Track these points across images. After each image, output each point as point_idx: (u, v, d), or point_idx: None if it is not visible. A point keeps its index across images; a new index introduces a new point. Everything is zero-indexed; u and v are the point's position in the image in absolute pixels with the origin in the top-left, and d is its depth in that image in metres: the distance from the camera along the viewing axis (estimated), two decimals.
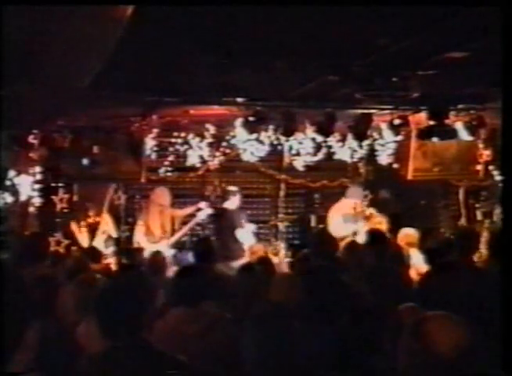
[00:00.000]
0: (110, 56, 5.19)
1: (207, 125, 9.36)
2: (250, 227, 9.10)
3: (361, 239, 7.15)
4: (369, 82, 6.38)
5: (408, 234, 7.54)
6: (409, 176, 10.30)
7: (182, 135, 9.56)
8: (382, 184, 10.46)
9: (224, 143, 9.63)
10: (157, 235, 9.05)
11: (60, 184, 9.46)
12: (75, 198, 9.52)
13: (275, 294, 4.17)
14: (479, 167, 10.52)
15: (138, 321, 2.91)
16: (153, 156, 9.64)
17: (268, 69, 6.14)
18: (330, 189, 10.46)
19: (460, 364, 2.28)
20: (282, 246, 9.68)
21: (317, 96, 7.56)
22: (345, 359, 3.22)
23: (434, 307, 2.60)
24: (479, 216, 10.40)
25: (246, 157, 9.53)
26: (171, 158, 9.80)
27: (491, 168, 10.26)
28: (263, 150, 9.50)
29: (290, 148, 9.95)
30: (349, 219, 8.98)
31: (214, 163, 9.88)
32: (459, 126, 8.75)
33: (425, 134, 8.64)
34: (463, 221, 10.66)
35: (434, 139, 8.90)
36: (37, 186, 9.18)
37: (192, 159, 9.73)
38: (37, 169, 9.12)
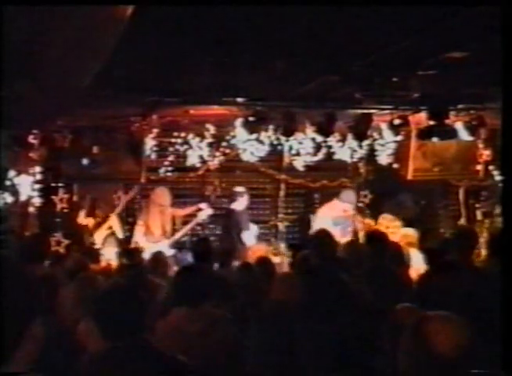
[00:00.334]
0: (110, 56, 5.19)
1: (207, 125, 9.37)
2: (255, 229, 9.10)
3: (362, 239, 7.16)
4: (369, 82, 6.39)
5: (408, 234, 7.55)
6: (409, 176, 10.31)
7: (182, 135, 9.56)
8: (382, 184, 10.46)
9: (224, 143, 9.63)
10: (157, 235, 9.06)
11: (60, 184, 9.46)
12: (75, 198, 9.53)
13: (276, 294, 4.17)
14: (479, 167, 10.53)
15: (139, 321, 2.91)
16: (153, 156, 9.64)
17: (268, 69, 6.15)
18: (330, 189, 10.45)
19: (460, 364, 2.28)
20: (282, 246, 9.68)
21: (317, 96, 7.56)
22: (345, 358, 3.22)
23: (433, 307, 2.60)
24: (479, 216, 10.41)
25: (246, 157, 9.54)
26: (171, 158, 9.80)
27: (491, 168, 10.27)
28: (263, 150, 9.51)
29: (290, 148, 9.95)
30: (339, 222, 8.93)
31: (214, 163, 9.88)
32: (459, 126, 8.76)
33: (425, 134, 8.64)
34: (463, 221, 10.66)
35: (434, 139, 8.90)
36: (37, 186, 9.18)
37: (192, 159, 9.72)
38: (37, 169, 9.13)
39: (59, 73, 5.74)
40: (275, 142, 9.54)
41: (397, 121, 8.62)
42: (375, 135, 9.79)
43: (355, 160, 10.37)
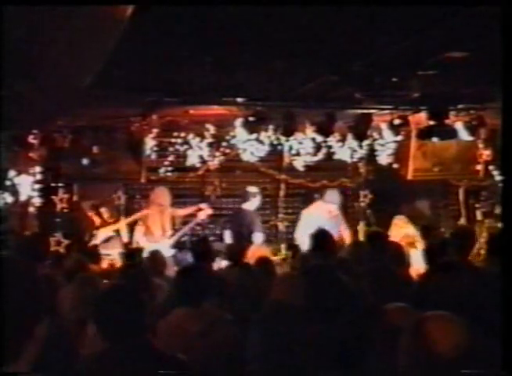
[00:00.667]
0: (110, 56, 5.19)
1: (207, 125, 9.37)
2: (260, 236, 9.08)
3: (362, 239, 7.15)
4: (369, 82, 6.39)
5: (408, 234, 7.55)
6: (409, 176, 10.32)
7: (182, 135, 9.56)
8: (382, 184, 10.45)
9: (224, 143, 9.63)
10: (157, 235, 9.05)
11: (60, 184, 9.46)
12: (75, 198, 9.53)
13: (276, 294, 4.17)
14: (479, 167, 10.53)
15: (139, 321, 2.91)
16: (153, 156, 9.65)
17: (268, 69, 6.14)
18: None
19: (460, 364, 2.28)
20: (282, 246, 9.67)
21: (317, 96, 7.56)
22: (345, 358, 3.22)
23: (433, 307, 2.60)
24: (479, 216, 10.40)
25: (246, 157, 9.54)
26: (171, 158, 9.80)
27: (491, 168, 10.27)
28: (263, 150, 9.51)
29: (290, 148, 9.95)
30: (323, 223, 8.89)
31: (214, 163, 9.87)
32: (459, 126, 8.76)
33: (425, 134, 8.64)
34: (462, 221, 10.66)
35: (434, 139, 8.90)
36: (37, 186, 9.18)
37: (192, 159, 9.73)
38: (37, 169, 9.13)
39: (59, 73, 5.75)
40: (275, 142, 9.53)
41: (397, 121, 8.62)
42: (375, 135, 9.78)
43: (355, 160, 10.36)
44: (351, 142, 9.77)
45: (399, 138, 9.51)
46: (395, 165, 10.26)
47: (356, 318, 3.41)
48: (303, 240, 8.79)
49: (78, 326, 3.83)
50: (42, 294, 2.44)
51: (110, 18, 4.23)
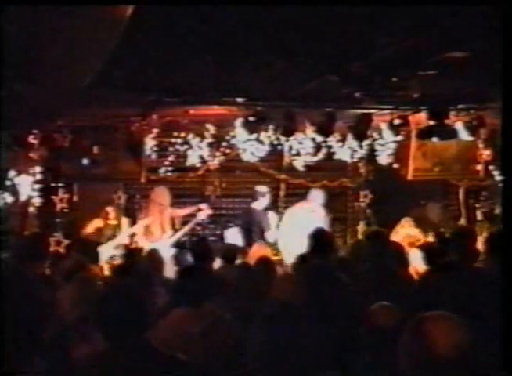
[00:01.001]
0: (110, 56, 5.19)
1: (207, 125, 9.37)
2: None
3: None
4: (369, 82, 6.38)
5: (408, 234, 7.55)
6: (409, 176, 10.31)
7: (182, 135, 9.56)
8: (382, 184, 10.45)
9: (224, 143, 9.64)
10: (157, 235, 9.05)
11: (60, 184, 9.46)
12: (75, 198, 9.52)
13: (276, 294, 4.17)
14: (479, 167, 10.53)
15: (139, 321, 2.90)
16: (153, 156, 9.65)
17: (268, 69, 6.14)
18: (330, 189, 10.45)
19: (460, 364, 2.28)
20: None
21: (317, 96, 7.55)
22: (344, 358, 3.22)
23: (433, 307, 2.60)
24: (479, 216, 10.41)
25: (246, 157, 9.55)
26: (171, 158, 9.80)
27: (491, 168, 10.27)
28: (263, 150, 9.51)
29: (290, 148, 9.95)
30: (306, 223, 8.88)
31: (214, 163, 9.88)
32: (459, 126, 8.76)
33: (425, 134, 8.64)
34: (463, 221, 10.66)
35: (434, 139, 8.91)
36: (37, 186, 9.18)
37: (192, 159, 9.73)
38: (37, 169, 9.12)
39: (59, 73, 5.75)
40: (275, 142, 9.55)
41: (397, 121, 8.62)
42: (375, 135, 9.79)
43: (355, 160, 10.37)
44: (351, 142, 9.77)
45: (399, 138, 9.52)
46: (395, 165, 10.26)
47: (356, 318, 3.41)
48: (285, 238, 8.87)
49: (78, 326, 3.83)
50: (36, 295, 2.45)
51: (110, 18, 4.23)
